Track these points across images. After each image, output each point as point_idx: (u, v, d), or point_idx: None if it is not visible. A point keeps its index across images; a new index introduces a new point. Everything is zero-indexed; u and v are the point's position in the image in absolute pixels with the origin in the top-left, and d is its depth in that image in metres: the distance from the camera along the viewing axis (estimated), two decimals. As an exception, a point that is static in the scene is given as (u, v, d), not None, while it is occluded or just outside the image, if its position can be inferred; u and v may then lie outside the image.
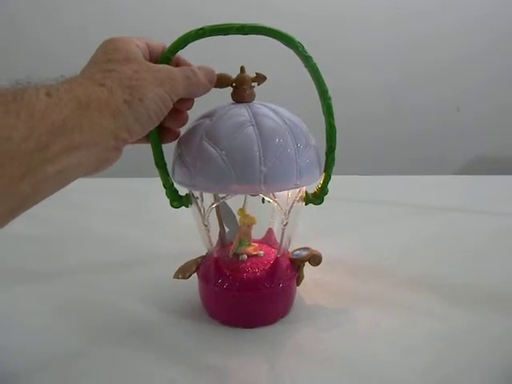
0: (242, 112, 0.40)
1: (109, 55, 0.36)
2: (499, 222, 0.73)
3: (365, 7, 1.53)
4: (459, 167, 1.68)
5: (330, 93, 0.42)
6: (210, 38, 0.40)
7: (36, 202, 0.31)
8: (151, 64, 0.37)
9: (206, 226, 0.44)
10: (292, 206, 0.43)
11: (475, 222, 0.74)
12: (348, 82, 1.51)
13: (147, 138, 0.42)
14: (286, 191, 0.42)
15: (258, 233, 0.49)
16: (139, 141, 0.42)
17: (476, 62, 1.59)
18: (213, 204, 0.43)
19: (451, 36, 1.56)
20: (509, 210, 0.78)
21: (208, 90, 0.40)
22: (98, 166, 0.35)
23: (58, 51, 1.50)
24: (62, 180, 0.31)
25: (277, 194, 0.42)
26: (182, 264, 0.47)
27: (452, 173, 1.63)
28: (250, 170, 0.38)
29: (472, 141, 1.66)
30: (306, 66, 0.41)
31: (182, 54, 0.40)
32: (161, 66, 0.37)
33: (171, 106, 0.37)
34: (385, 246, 0.64)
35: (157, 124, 0.37)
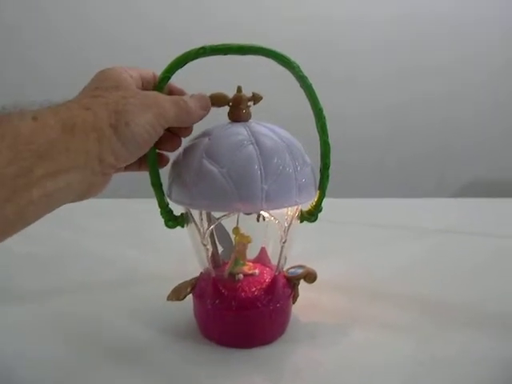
0: (240, 131, 0.40)
1: (97, 83, 0.36)
2: (495, 244, 0.74)
3: (364, 30, 1.57)
4: (456, 190, 1.71)
5: (326, 113, 0.43)
6: (208, 57, 0.41)
7: (19, 229, 0.30)
8: (140, 90, 0.37)
9: (204, 245, 0.43)
10: (291, 224, 0.43)
11: (471, 244, 0.74)
12: (347, 105, 1.54)
13: (138, 166, 0.43)
14: (286, 208, 0.42)
15: (249, 252, 0.48)
16: (130, 168, 0.42)
17: (475, 87, 1.64)
18: (210, 223, 0.43)
19: (450, 61, 1.61)
20: (505, 231, 0.79)
21: (202, 117, 0.40)
22: (85, 191, 0.34)
23: (52, 74, 1.47)
24: (47, 205, 0.31)
25: (275, 211, 0.42)
26: (176, 285, 0.46)
27: (449, 196, 1.65)
28: (252, 187, 0.38)
29: (469, 164, 1.70)
30: (301, 86, 0.42)
31: (180, 71, 0.40)
32: (149, 92, 0.38)
33: (161, 132, 0.37)
34: (381, 268, 0.64)
35: (146, 150, 0.36)
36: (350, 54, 1.58)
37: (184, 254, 0.49)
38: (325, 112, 0.43)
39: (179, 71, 0.41)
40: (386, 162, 1.67)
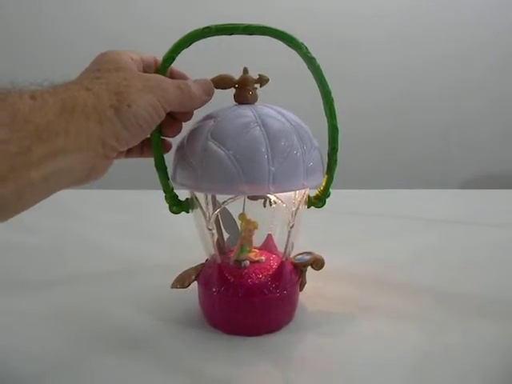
0: (246, 113, 0.39)
1: (99, 65, 0.35)
2: (502, 233, 0.74)
3: (367, 31, 1.57)
4: (460, 183, 1.72)
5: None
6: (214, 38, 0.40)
7: (19, 210, 0.30)
8: (142, 73, 0.37)
9: (210, 229, 0.42)
10: (298, 208, 0.42)
11: (478, 235, 0.74)
12: (358, 102, 1.55)
13: (140, 152, 0.42)
14: (293, 192, 0.41)
15: (255, 239, 0.48)
16: (131, 154, 0.41)
17: (477, 82, 1.65)
18: (216, 207, 0.42)
19: (453, 60, 1.62)
20: (510, 222, 0.79)
21: (205, 102, 0.40)
22: (85, 175, 0.34)
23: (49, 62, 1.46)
24: (48, 187, 0.30)
25: (282, 195, 0.41)
26: (180, 273, 0.46)
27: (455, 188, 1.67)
28: (259, 169, 0.37)
29: (472, 158, 1.71)
30: (309, 68, 0.41)
31: (186, 52, 0.40)
32: (152, 75, 0.37)
33: (163, 115, 0.36)
34: (389, 258, 0.64)
35: (148, 133, 0.36)
36: (356, 51, 1.58)
37: (187, 244, 0.49)
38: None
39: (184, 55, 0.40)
40: (392, 155, 1.67)
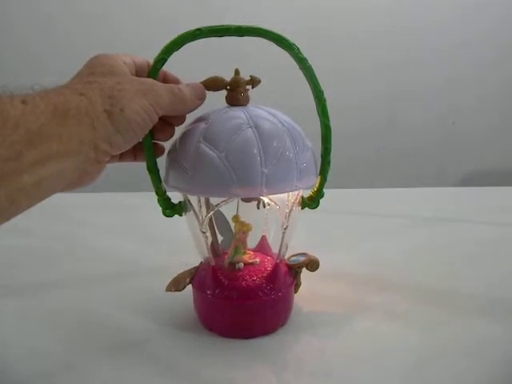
0: (238, 114, 0.39)
1: (92, 69, 0.35)
2: (498, 231, 0.74)
3: (361, 24, 1.56)
4: (457, 181, 1.72)
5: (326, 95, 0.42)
6: (205, 40, 0.39)
7: (12, 215, 0.29)
8: (135, 77, 0.37)
9: (203, 232, 0.42)
10: (292, 209, 0.42)
11: (474, 233, 0.74)
12: (347, 98, 1.54)
13: (134, 156, 0.42)
14: (286, 193, 0.41)
15: (250, 241, 0.47)
16: (125, 158, 0.41)
17: (475, 76, 1.64)
18: (209, 210, 0.42)
19: (448, 52, 1.61)
20: (506, 219, 0.79)
21: (197, 106, 0.40)
22: (78, 179, 0.34)
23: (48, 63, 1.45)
24: (40, 191, 0.30)
25: (276, 196, 0.41)
26: (174, 276, 0.45)
27: (450, 186, 1.66)
28: (252, 172, 0.37)
29: (469, 154, 1.70)
30: (301, 68, 0.41)
31: (177, 54, 0.39)
32: (145, 79, 0.37)
33: (156, 119, 0.36)
34: (384, 257, 0.64)
35: (141, 137, 0.36)
36: (349, 44, 1.58)
37: (182, 246, 0.49)
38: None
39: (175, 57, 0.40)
40: (386, 152, 1.67)
